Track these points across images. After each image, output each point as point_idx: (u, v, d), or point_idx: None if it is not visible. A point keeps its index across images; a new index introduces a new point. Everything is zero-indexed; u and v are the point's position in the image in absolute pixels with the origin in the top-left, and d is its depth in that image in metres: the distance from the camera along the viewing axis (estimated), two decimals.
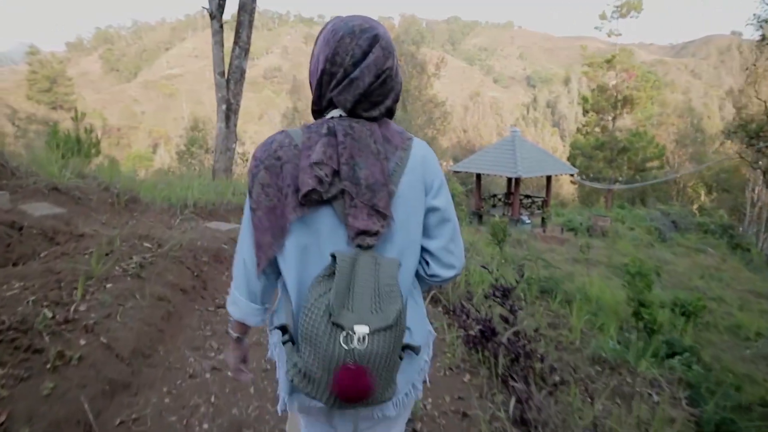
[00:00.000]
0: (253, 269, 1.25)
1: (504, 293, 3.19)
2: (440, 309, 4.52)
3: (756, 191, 39.62)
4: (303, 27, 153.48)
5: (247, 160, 13.84)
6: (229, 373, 1.63)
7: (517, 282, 3.74)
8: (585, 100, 35.01)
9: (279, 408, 1.36)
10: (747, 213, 40.18)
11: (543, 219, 22.79)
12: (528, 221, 21.08)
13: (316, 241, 1.20)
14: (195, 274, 4.15)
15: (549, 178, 23.05)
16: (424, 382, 1.44)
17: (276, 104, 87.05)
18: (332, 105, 1.28)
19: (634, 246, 20.97)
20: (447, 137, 42.38)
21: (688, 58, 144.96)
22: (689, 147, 49.12)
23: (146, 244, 4.09)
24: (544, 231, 19.92)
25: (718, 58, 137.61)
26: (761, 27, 24.97)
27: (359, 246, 1.17)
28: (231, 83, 7.85)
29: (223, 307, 4.01)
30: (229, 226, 5.71)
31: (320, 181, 1.15)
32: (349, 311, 1.09)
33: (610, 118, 33.96)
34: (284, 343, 1.18)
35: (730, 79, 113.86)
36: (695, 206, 38.91)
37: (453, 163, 38.24)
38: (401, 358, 1.18)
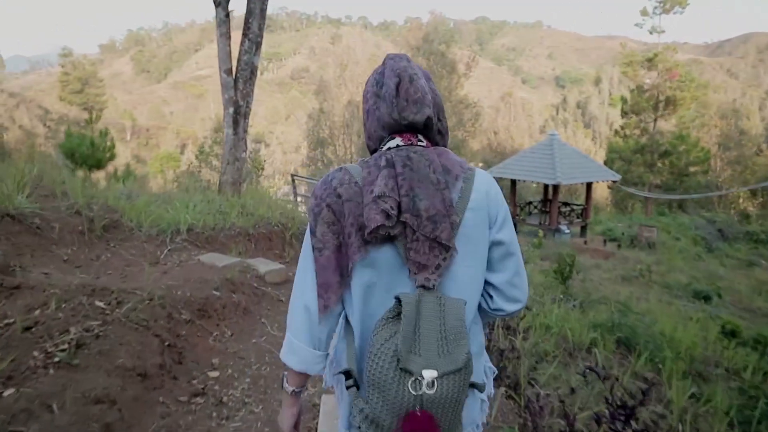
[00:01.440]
0: (316, 314, 1.21)
1: (628, 414, 1.98)
2: (503, 390, 3.31)
3: None
4: (330, 27, 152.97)
5: (262, 168, 12.88)
6: None
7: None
8: (624, 100, 33.23)
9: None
10: None
11: (583, 228, 21.34)
12: (567, 231, 19.65)
13: (380, 280, 1.18)
14: (167, 343, 3.01)
15: (589, 185, 21.56)
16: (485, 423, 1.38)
17: (303, 105, 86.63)
18: (383, 138, 1.28)
19: (683, 259, 19.36)
20: (477, 140, 40.98)
21: (724, 57, 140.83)
22: (733, 150, 46.86)
23: (98, 303, 2.96)
24: (585, 242, 18.48)
25: (756, 57, 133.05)
26: None
27: (423, 287, 1.12)
28: (239, 82, 6.69)
29: (203, 393, 2.88)
30: (228, 260, 4.58)
31: (387, 215, 1.12)
32: (417, 355, 1.05)
33: (650, 119, 32.16)
34: (348, 388, 1.12)
35: None
36: (733, 211, 36.72)
37: (483, 166, 36.87)
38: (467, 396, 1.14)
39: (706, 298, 11.64)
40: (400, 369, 1.03)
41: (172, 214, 5.08)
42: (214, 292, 3.76)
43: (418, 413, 1.01)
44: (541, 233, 12.47)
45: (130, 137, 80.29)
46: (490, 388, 1.36)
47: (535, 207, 22.50)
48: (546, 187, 22.22)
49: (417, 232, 1.13)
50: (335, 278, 1.19)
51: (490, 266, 1.26)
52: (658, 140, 31.45)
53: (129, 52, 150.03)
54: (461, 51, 34.35)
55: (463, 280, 1.20)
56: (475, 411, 1.31)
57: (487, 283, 1.27)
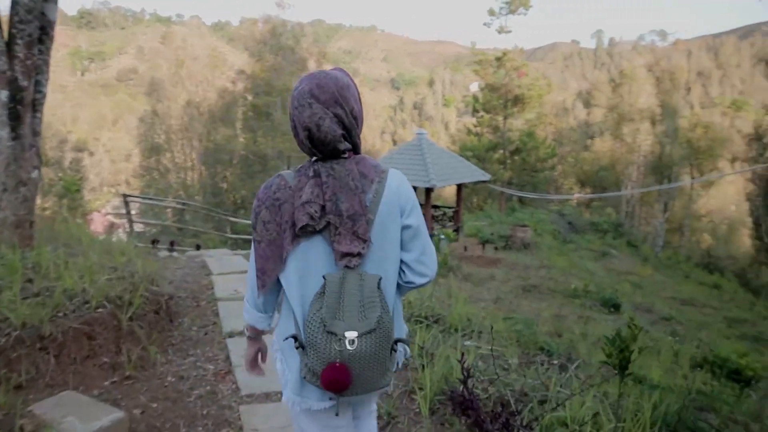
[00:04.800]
0: (256, 290, 1.55)
1: None
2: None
3: (630, 188, 40.88)
4: (160, 26, 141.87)
5: (77, 190, 9.80)
6: (246, 368, 1.80)
7: None
8: (475, 99, 33.51)
9: (288, 404, 1.58)
10: (623, 209, 41.44)
11: (455, 232, 20.35)
12: (443, 237, 18.43)
13: (313, 265, 1.46)
14: None
15: (459, 187, 20.60)
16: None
17: (133, 108, 78.74)
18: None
19: (556, 256, 19.14)
20: None
21: (537, 63, 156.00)
22: (566, 146, 50.36)
23: None
24: (465, 249, 17.34)
25: (563, 64, 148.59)
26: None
27: (347, 266, 1.42)
28: (19, 46, 3.68)
29: None
30: None
31: (311, 217, 1.42)
32: (341, 321, 1.34)
33: (501, 118, 32.69)
34: (297, 348, 1.43)
35: (574, 83, 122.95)
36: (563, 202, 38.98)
37: None
38: (395, 351, 1.44)
39: (616, 306, 10.80)
40: (327, 332, 1.33)
41: None
42: None
43: (337, 364, 1.32)
44: (447, 250, 10.79)
45: None
46: (406, 347, 1.68)
47: None
48: (414, 190, 20.93)
49: (339, 228, 1.42)
50: (270, 265, 1.49)
51: (402, 246, 1.54)
52: (509, 138, 32.01)
53: None
54: (312, 47, 32.13)
55: (380, 259, 1.49)
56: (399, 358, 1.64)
57: (400, 261, 1.55)
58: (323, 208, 1.42)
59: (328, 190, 1.42)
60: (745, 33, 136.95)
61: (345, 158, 1.49)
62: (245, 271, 6.69)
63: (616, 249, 26.73)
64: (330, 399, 1.45)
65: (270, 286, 1.52)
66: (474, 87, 33.27)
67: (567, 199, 36.32)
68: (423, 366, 3.23)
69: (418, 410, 2.84)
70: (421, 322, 4.78)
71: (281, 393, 3.11)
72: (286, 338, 1.49)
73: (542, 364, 4.37)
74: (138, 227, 13.80)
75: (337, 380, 1.31)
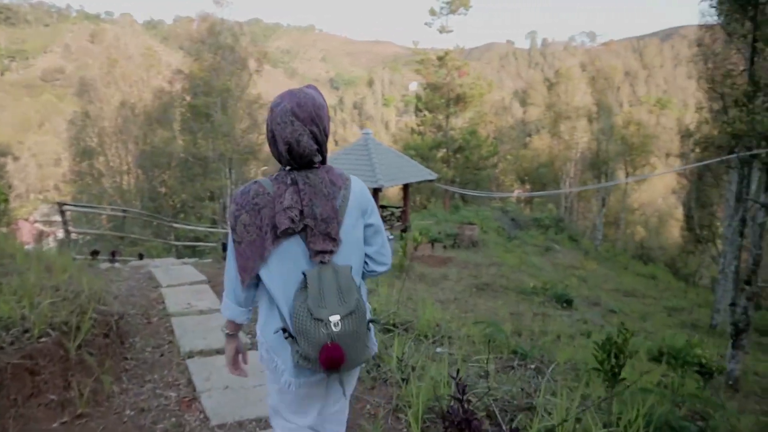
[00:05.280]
0: (239, 285, 1.72)
1: None
2: None
3: (568, 184, 42.21)
4: (88, 24, 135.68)
5: (6, 200, 9.14)
6: (226, 368, 1.91)
7: None
8: (418, 98, 33.68)
9: (289, 386, 1.73)
10: (563, 205, 42.72)
11: (403, 232, 20.30)
12: (391, 237, 18.32)
13: (292, 262, 1.67)
14: None
15: (406, 186, 20.55)
16: None
17: (60, 110, 74.98)
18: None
19: (504, 252, 19.43)
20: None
21: (474, 62, 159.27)
22: (506, 144, 51.48)
23: None
24: (416, 248, 17.28)
25: (499, 64, 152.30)
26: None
27: (321, 262, 1.64)
28: None
29: None
30: None
31: (292, 220, 1.63)
32: (324, 308, 1.55)
33: (443, 117, 32.99)
34: (286, 338, 1.64)
35: (510, 82, 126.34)
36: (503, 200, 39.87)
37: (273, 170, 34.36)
38: (369, 329, 1.72)
39: (569, 302, 11.00)
40: (314, 319, 1.54)
41: None
42: None
43: (330, 345, 1.53)
44: (405, 262, 10.65)
45: None
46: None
47: None
48: None
49: (315, 229, 1.64)
50: (250, 263, 1.67)
51: (365, 241, 1.82)
52: (452, 136, 32.32)
53: None
54: (252, 46, 31.39)
55: (349, 253, 1.73)
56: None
57: (364, 254, 1.82)
58: (302, 212, 1.63)
59: (305, 197, 1.64)
60: (666, 36, 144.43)
61: (316, 168, 1.71)
62: (196, 282, 6.32)
63: (559, 244, 27.44)
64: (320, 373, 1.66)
65: (250, 282, 1.70)
66: (413, 86, 33.61)
67: (509, 197, 37.05)
68: (405, 381, 3.06)
69: (406, 430, 2.66)
70: (391, 331, 4.60)
71: (256, 420, 2.87)
72: (276, 331, 1.67)
73: (518, 369, 4.29)
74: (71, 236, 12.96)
75: (333, 358, 1.53)
